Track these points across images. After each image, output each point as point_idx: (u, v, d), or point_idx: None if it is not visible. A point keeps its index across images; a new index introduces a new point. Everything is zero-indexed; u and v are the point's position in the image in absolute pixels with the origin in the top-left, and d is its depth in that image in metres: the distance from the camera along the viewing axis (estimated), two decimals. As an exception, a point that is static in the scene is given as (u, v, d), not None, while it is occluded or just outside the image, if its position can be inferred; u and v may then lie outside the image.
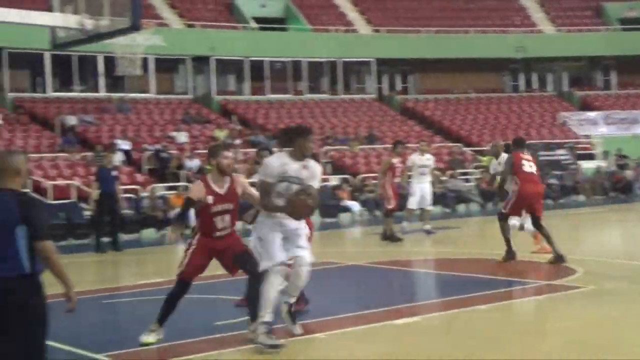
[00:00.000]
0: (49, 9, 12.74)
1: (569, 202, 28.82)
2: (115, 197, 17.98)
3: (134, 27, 12.16)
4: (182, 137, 29.25)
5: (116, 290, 12.88)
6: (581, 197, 30.15)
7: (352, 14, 41.14)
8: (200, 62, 36.31)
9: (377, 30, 40.35)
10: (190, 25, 36.66)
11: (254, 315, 8.10)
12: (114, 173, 18.12)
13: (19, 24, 14.63)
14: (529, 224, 13.46)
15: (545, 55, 40.92)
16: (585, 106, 40.14)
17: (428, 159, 18.61)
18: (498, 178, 13.83)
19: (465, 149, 33.89)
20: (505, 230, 13.10)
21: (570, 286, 10.84)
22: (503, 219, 13.12)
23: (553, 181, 29.19)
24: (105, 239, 18.10)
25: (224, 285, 11.02)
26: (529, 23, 42.78)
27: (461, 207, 27.31)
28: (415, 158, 18.39)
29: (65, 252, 14.63)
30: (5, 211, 5.32)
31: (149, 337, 8.20)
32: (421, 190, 18.29)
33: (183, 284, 8.31)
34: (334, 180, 27.45)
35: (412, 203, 18.58)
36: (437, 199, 26.53)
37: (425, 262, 14.58)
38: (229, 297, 8.86)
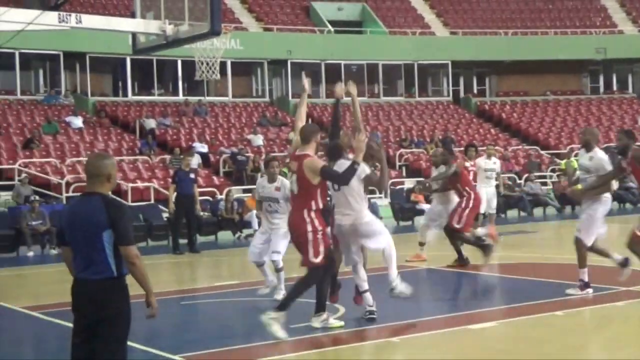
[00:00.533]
0: (132, 15, 12.98)
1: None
2: (192, 200, 18.26)
3: (214, 32, 12.32)
4: (259, 139, 29.54)
5: (193, 292, 13.08)
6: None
7: (429, 17, 41.00)
8: (277, 65, 36.60)
9: (454, 33, 40.14)
10: (267, 29, 36.99)
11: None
12: (192, 176, 18.41)
13: (102, 30, 14.97)
14: None
15: (626, 57, 40.17)
16: (668, 108, 39.32)
17: (494, 163, 18.28)
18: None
19: (542, 152, 33.49)
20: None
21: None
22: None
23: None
24: (182, 241, 18.40)
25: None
26: (610, 24, 42.05)
27: (538, 211, 26.97)
28: (481, 162, 17.98)
29: (143, 254, 14.86)
30: (94, 215, 5.42)
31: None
32: (487, 195, 17.91)
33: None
34: (409, 183, 27.38)
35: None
36: (514, 202, 26.39)
37: (501, 267, 14.46)
38: (303, 300, 8.93)
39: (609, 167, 10.92)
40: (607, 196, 11.15)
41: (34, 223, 19.02)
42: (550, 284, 11.95)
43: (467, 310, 10.18)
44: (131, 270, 5.48)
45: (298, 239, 8.79)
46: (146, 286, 5.58)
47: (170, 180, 19.54)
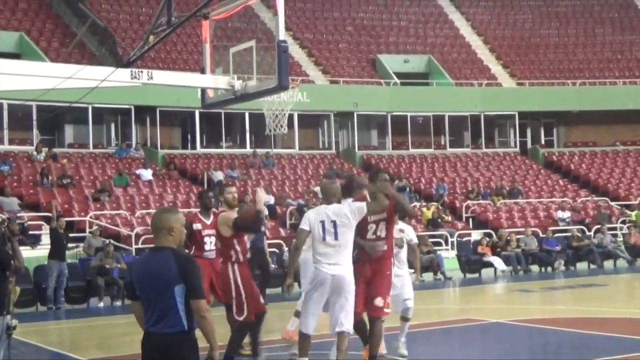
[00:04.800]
0: (201, 70, 13.25)
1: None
2: (264, 253, 18.35)
3: (281, 87, 12.44)
4: (325, 191, 29.63)
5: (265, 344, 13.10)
6: None
7: (495, 68, 40.97)
8: (344, 117, 36.86)
9: (520, 83, 40.02)
10: (334, 82, 37.34)
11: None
12: (263, 228, 18.52)
13: (172, 86, 15.29)
14: None
15: (697, 106, 39.51)
16: None
17: None
18: None
19: (612, 203, 32.99)
20: None
21: None
22: None
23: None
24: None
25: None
26: (680, 73, 41.47)
27: (609, 264, 26.50)
28: None
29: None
30: (165, 269, 5.50)
31: None
32: None
33: None
34: (476, 235, 27.19)
35: None
36: (584, 255, 26.02)
37: (570, 321, 14.25)
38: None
39: None
40: None
41: (107, 267, 19.41)
42: (621, 339, 11.73)
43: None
44: (201, 323, 5.53)
45: (224, 294, 9.52)
46: (212, 340, 5.61)
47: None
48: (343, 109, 36.16)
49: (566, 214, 29.90)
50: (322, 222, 8.55)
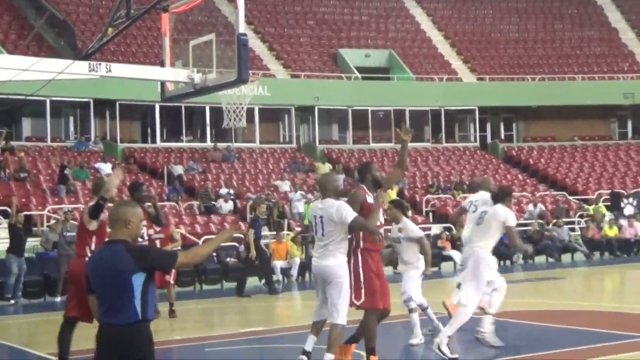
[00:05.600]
0: (161, 63, 13.16)
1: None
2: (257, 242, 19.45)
3: (241, 80, 12.39)
4: (286, 185, 29.67)
5: (219, 338, 13.08)
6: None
7: (456, 63, 41.18)
8: (305, 111, 36.84)
9: (481, 79, 40.26)
10: (295, 76, 37.31)
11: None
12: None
13: (131, 79, 15.18)
14: None
15: (654, 102, 40.07)
16: (697, 154, 39.04)
17: None
18: None
19: (570, 197, 33.33)
20: None
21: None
22: None
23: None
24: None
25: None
26: (638, 69, 41.98)
27: (566, 257, 26.78)
28: None
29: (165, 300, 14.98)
30: (118, 261, 5.46)
31: None
32: None
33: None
34: (436, 229, 27.32)
35: None
36: (542, 248, 26.25)
37: (528, 314, 14.36)
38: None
39: None
40: None
41: (68, 234, 19.09)
42: (580, 331, 11.86)
43: (493, 359, 10.10)
44: (196, 260, 5.79)
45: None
46: (211, 248, 5.85)
47: (248, 225, 20.75)
48: (304, 103, 36.15)
49: (537, 209, 30.07)
50: (315, 217, 8.85)
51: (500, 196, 10.56)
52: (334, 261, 8.69)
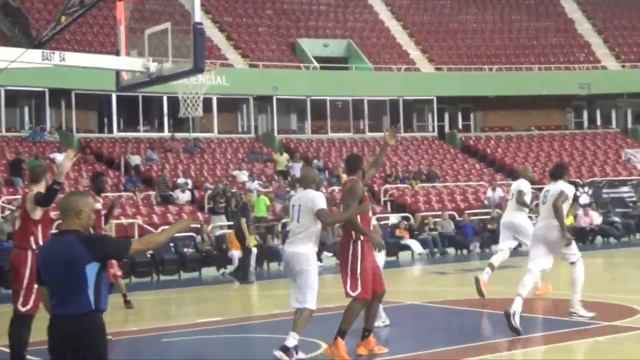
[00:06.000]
0: (116, 52, 13.05)
1: (633, 241, 28.35)
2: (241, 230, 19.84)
3: (197, 70, 12.36)
4: (244, 175, 29.58)
5: (176, 329, 13.03)
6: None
7: (414, 53, 41.28)
8: (263, 101, 36.75)
9: (439, 69, 40.43)
10: (253, 65, 37.17)
11: None
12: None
13: (85, 68, 15.01)
14: None
15: (609, 92, 40.52)
16: (651, 143, 39.58)
17: None
18: None
19: (527, 186, 33.54)
20: None
21: (631, 327, 10.70)
22: None
23: (617, 219, 28.77)
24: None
25: (280, 324, 11.12)
26: (593, 59, 42.42)
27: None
28: None
29: (128, 290, 14.87)
30: (70, 252, 5.42)
31: None
32: None
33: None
34: (394, 219, 27.43)
35: None
36: (497, 237, 26.43)
37: (482, 302, 14.48)
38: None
39: None
40: None
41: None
42: (531, 319, 11.96)
43: (446, 346, 10.16)
44: (150, 247, 5.83)
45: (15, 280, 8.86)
46: (166, 236, 5.86)
47: (233, 213, 21.49)
48: (262, 93, 36.05)
49: (497, 194, 30.30)
50: (293, 206, 9.23)
51: (559, 172, 11.46)
52: (303, 249, 9.00)
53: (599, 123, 42.50)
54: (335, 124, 37.84)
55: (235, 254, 21.21)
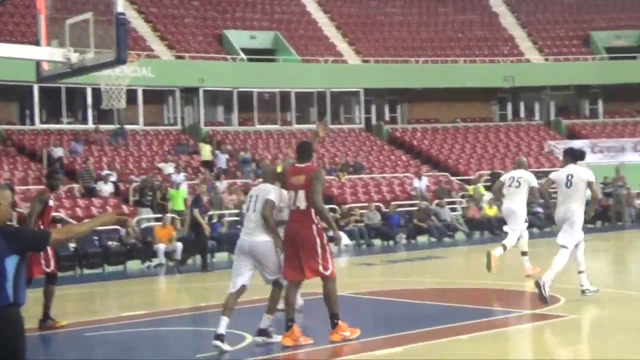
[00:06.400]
0: (37, 43, 12.77)
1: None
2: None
3: (120, 61, 12.15)
4: (170, 168, 29.31)
5: (100, 323, 12.85)
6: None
7: (341, 45, 41.39)
8: (189, 93, 36.46)
9: (365, 61, 40.60)
10: (179, 57, 36.84)
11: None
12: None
13: (4, 58, 14.67)
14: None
15: (533, 85, 41.23)
16: (573, 135, 40.32)
17: None
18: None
19: (452, 178, 33.98)
20: None
21: (553, 315, 10.89)
22: None
23: (539, 210, 29.25)
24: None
25: (205, 316, 11.05)
26: (517, 52, 43.10)
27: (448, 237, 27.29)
28: None
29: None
30: None
31: None
32: None
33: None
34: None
35: None
36: (424, 228, 26.70)
37: (409, 292, 14.61)
38: (210, 329, 8.89)
39: None
40: None
41: None
42: (457, 308, 12.12)
43: (373, 337, 10.21)
44: (68, 240, 5.74)
45: None
46: (88, 227, 5.90)
47: (191, 204, 21.15)
48: (188, 85, 35.79)
49: (423, 183, 30.54)
50: (251, 197, 9.76)
51: (579, 156, 12.30)
52: (265, 237, 9.54)
53: (522, 115, 43.24)
54: (263, 115, 37.75)
55: (161, 247, 21.01)
